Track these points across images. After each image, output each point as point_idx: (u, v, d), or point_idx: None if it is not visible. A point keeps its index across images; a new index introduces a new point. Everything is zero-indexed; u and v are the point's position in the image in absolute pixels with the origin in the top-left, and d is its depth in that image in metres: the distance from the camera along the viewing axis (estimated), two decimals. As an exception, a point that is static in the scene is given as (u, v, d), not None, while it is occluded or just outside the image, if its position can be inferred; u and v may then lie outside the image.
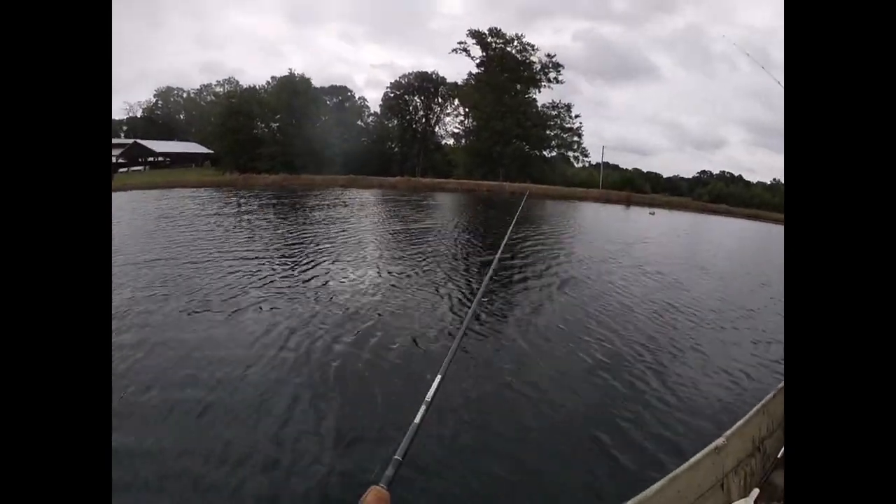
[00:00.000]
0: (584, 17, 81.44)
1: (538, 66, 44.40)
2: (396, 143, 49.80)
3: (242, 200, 21.24)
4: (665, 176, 54.98)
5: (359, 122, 51.18)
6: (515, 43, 44.45)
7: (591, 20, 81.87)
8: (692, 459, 2.12)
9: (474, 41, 44.77)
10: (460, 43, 45.12)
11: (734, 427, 2.35)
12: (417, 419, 1.32)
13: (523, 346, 5.65)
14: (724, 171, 55.23)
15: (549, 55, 44.63)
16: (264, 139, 43.73)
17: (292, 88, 43.31)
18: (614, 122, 77.97)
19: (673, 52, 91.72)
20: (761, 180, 56.66)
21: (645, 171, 52.46)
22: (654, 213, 30.77)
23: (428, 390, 1.39)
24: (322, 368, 4.84)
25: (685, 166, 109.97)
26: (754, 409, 2.50)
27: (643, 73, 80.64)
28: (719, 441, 2.23)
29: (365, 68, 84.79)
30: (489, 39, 44.67)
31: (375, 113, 51.48)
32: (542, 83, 44.33)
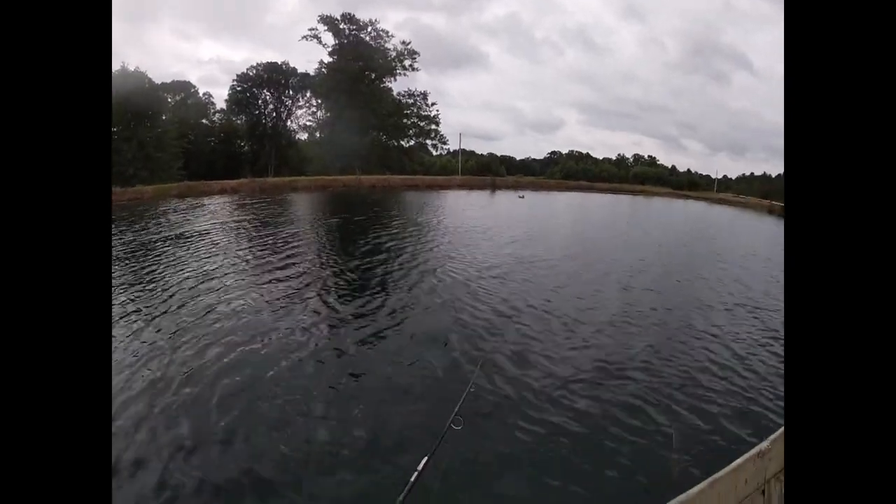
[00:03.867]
0: (403, 7, 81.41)
1: (393, 54, 42.61)
2: (246, 141, 45.28)
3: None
4: (518, 158, 57.25)
5: (203, 121, 45.86)
6: (369, 29, 42.31)
7: (411, 10, 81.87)
8: (734, 463, 2.07)
9: (325, 28, 41.79)
10: (311, 30, 41.90)
11: (779, 431, 2.23)
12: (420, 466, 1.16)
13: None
14: (572, 150, 59.59)
15: (404, 42, 43.08)
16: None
17: (124, 84, 36.48)
18: (455, 110, 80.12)
19: (499, 40, 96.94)
20: (607, 156, 62.19)
21: (499, 155, 53.80)
22: (523, 197, 30.57)
23: None
24: None
25: (529, 148, 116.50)
26: None
27: (473, 62, 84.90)
28: (763, 445, 2.14)
29: (201, 65, 77.40)
30: (342, 26, 41.96)
31: (221, 110, 46.48)
32: (398, 71, 42.63)
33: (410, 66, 42.79)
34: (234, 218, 15.68)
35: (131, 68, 37.70)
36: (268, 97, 44.87)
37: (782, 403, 3.83)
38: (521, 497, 2.95)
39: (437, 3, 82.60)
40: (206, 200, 24.73)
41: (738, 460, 2.09)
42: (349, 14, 41.94)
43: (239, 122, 45.26)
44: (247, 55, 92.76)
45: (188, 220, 14.97)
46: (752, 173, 63.15)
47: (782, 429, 2.22)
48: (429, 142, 44.20)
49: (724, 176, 62.12)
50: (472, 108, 79.80)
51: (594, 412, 3.84)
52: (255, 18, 78.65)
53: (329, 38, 41.86)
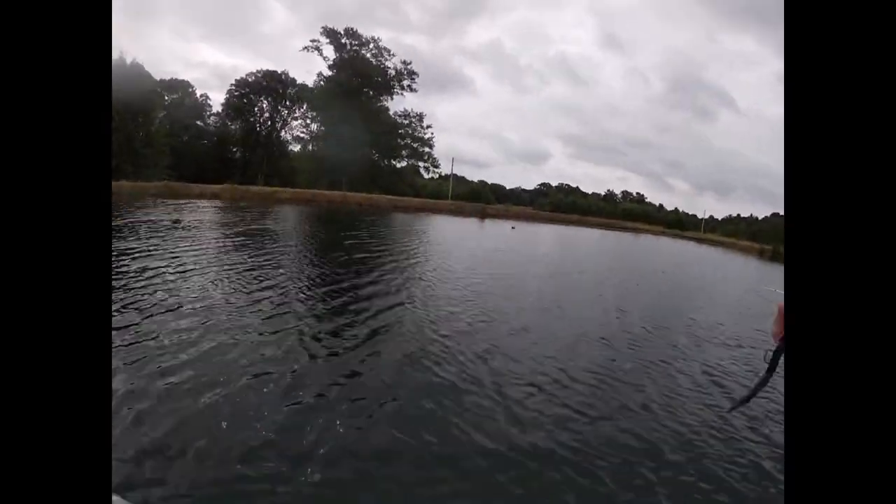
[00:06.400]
0: (386, 27, 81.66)
1: (392, 72, 42.47)
2: (239, 147, 44.72)
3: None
4: (508, 187, 57.41)
5: (198, 123, 45.37)
6: (371, 46, 42.27)
7: (393, 30, 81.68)
8: None
9: (328, 40, 41.71)
10: (313, 41, 41.82)
11: None
12: None
13: None
14: (561, 183, 60.25)
15: (404, 61, 43.01)
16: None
17: (120, 76, 35.77)
18: (443, 134, 79.27)
19: (482, 65, 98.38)
20: (595, 191, 62.75)
21: (489, 182, 53.89)
22: (514, 228, 29.91)
23: None
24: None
25: (518, 177, 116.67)
26: None
27: (458, 85, 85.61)
28: None
29: (195, 67, 77.48)
30: (344, 40, 41.91)
31: (217, 113, 46.01)
32: (396, 90, 42.46)
33: (409, 86, 42.70)
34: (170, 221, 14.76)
35: (128, 60, 37.26)
36: (265, 105, 44.58)
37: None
38: None
39: (419, 25, 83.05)
40: (176, 202, 23.80)
41: None
42: (352, 29, 42.00)
43: (234, 127, 44.80)
44: (241, 62, 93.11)
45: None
46: (738, 214, 63.37)
47: None
48: (421, 164, 43.90)
49: (711, 216, 62.43)
50: (459, 133, 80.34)
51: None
52: (251, 27, 78.93)
53: (330, 52, 41.74)
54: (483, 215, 35.96)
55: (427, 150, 42.65)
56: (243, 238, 12.72)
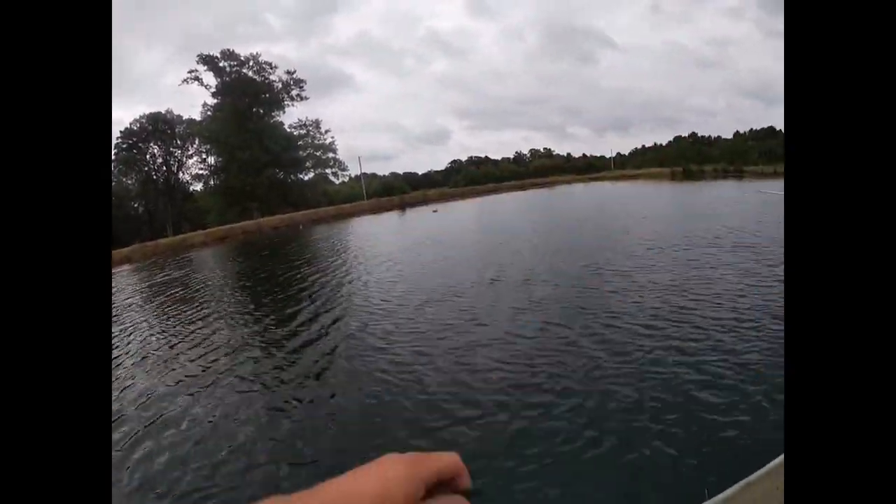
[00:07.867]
0: (249, 42, 78.51)
1: (279, 86, 41.42)
2: (139, 200, 42.79)
3: None
4: (420, 173, 58.91)
5: (92, 186, 42.87)
6: (251, 63, 40.89)
7: (258, 43, 78.70)
8: (749, 478, 1.94)
9: (206, 67, 40.04)
10: (191, 72, 39.99)
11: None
12: None
13: None
14: (470, 156, 63.42)
15: (288, 72, 41.92)
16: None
17: None
18: (342, 135, 78.60)
19: (358, 59, 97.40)
20: (505, 156, 66.02)
21: (401, 172, 54.85)
22: (436, 211, 30.31)
23: None
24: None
25: (427, 161, 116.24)
26: None
27: (341, 84, 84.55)
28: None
29: None
30: (222, 63, 40.36)
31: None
32: (286, 102, 41.52)
33: (298, 95, 41.80)
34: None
35: None
36: (155, 151, 42.56)
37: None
38: None
39: (283, 33, 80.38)
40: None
41: (756, 475, 1.93)
42: (229, 50, 40.44)
43: (129, 182, 42.69)
44: (120, 114, 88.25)
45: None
46: (643, 146, 66.44)
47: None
48: (328, 171, 43.43)
49: (618, 153, 65.20)
50: (357, 131, 79.55)
51: None
52: (119, 76, 74.45)
53: (210, 79, 40.20)
54: (402, 207, 36.17)
55: (331, 155, 42.25)
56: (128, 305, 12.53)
